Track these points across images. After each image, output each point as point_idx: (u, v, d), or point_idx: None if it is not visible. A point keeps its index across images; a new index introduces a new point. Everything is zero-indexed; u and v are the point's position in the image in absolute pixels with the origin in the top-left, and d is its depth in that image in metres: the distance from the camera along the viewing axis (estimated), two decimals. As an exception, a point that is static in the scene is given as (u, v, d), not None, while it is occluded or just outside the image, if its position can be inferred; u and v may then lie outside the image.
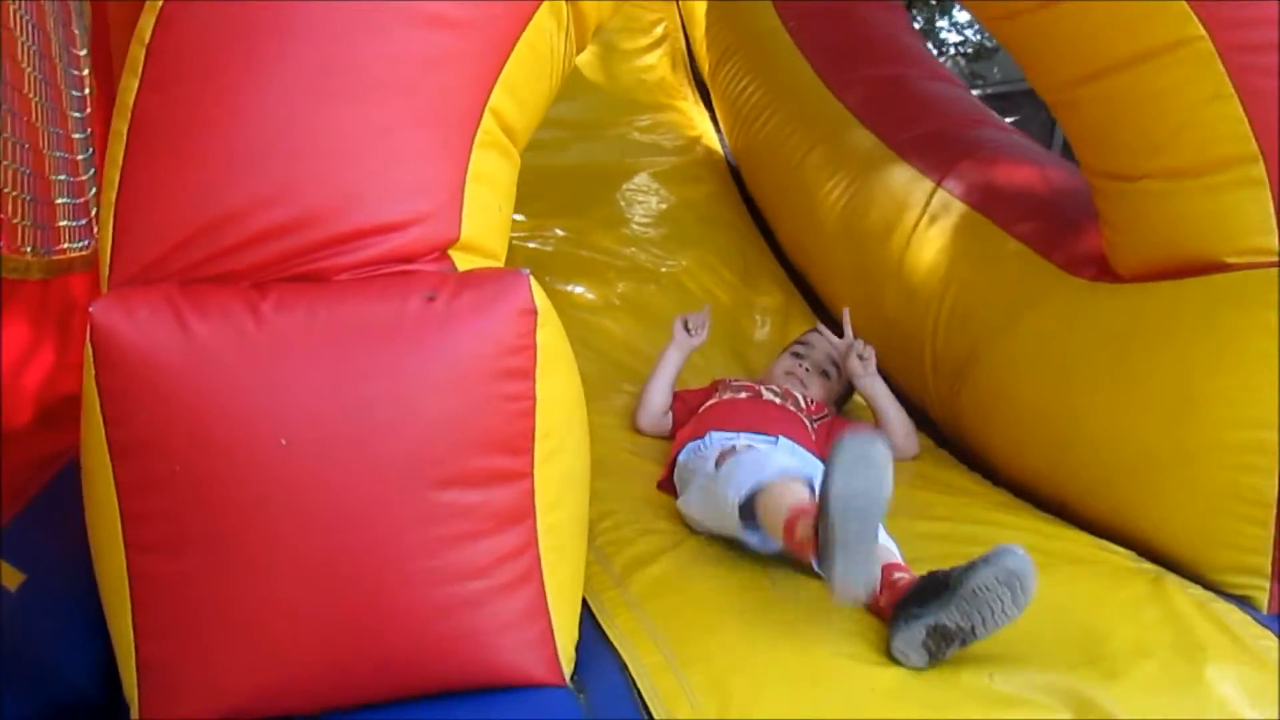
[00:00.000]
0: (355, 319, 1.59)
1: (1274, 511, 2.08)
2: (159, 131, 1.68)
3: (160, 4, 1.69)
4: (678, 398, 2.88)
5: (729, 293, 3.49)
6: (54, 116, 2.83)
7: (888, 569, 1.88)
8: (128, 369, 1.57)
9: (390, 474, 1.57)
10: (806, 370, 2.87)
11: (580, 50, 2.05)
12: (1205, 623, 1.92)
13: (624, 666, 1.73)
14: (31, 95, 2.65)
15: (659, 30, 4.63)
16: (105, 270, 1.69)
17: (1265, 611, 2.07)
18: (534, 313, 1.65)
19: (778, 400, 2.68)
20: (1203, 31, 2.07)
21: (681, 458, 2.49)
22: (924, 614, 1.74)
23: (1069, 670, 1.72)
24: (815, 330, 3.02)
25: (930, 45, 9.54)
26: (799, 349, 2.97)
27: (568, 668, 1.75)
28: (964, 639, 1.73)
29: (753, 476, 2.02)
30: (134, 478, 1.59)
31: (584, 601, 1.94)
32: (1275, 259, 2.08)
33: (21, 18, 2.55)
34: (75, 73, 3.05)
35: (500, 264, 1.87)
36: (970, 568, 1.75)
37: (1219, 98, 2.08)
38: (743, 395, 2.69)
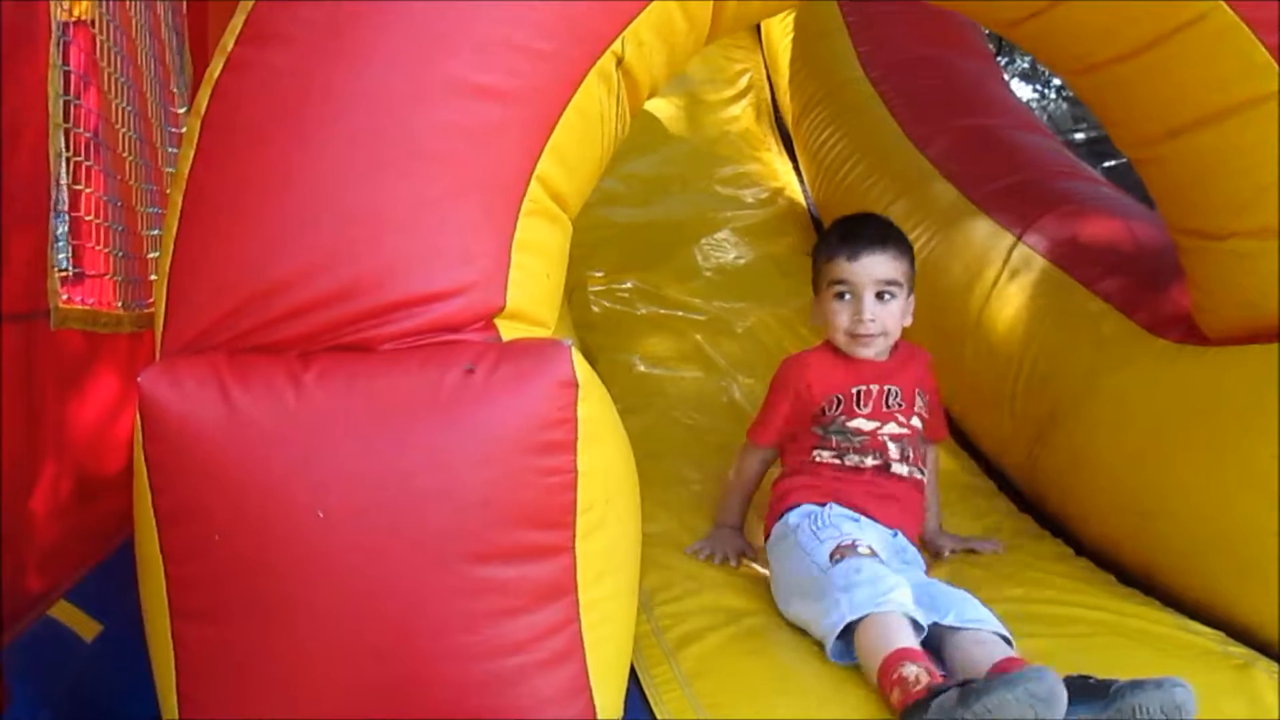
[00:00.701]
0: (393, 391, 1.59)
1: (1372, 592, 1.95)
2: (212, 201, 1.71)
3: (216, 76, 1.72)
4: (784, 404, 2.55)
5: (802, 346, 3.43)
6: (149, 173, 2.93)
7: (1006, 663, 1.83)
8: (172, 438, 1.59)
9: (426, 547, 1.56)
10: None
11: (635, 114, 2.04)
12: (1295, 715, 1.80)
13: (668, 747, 1.69)
14: (126, 154, 2.75)
15: (744, 81, 4.62)
16: (158, 338, 1.71)
17: (1364, 699, 1.93)
18: (575, 385, 1.62)
19: (905, 471, 2.45)
20: (1289, 85, 1.97)
21: (794, 519, 2.33)
22: (1075, 708, 1.69)
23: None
24: None
25: (1035, 86, 9.37)
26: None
27: (610, 746, 1.71)
28: None
29: (870, 602, 1.93)
30: (178, 544, 1.61)
31: (634, 672, 1.90)
32: (1371, 323, 1.97)
33: (117, 79, 2.65)
34: (173, 130, 3.16)
35: (549, 331, 1.85)
36: (1137, 685, 1.70)
37: (1308, 154, 1.98)
38: (869, 463, 2.43)
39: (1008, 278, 2.96)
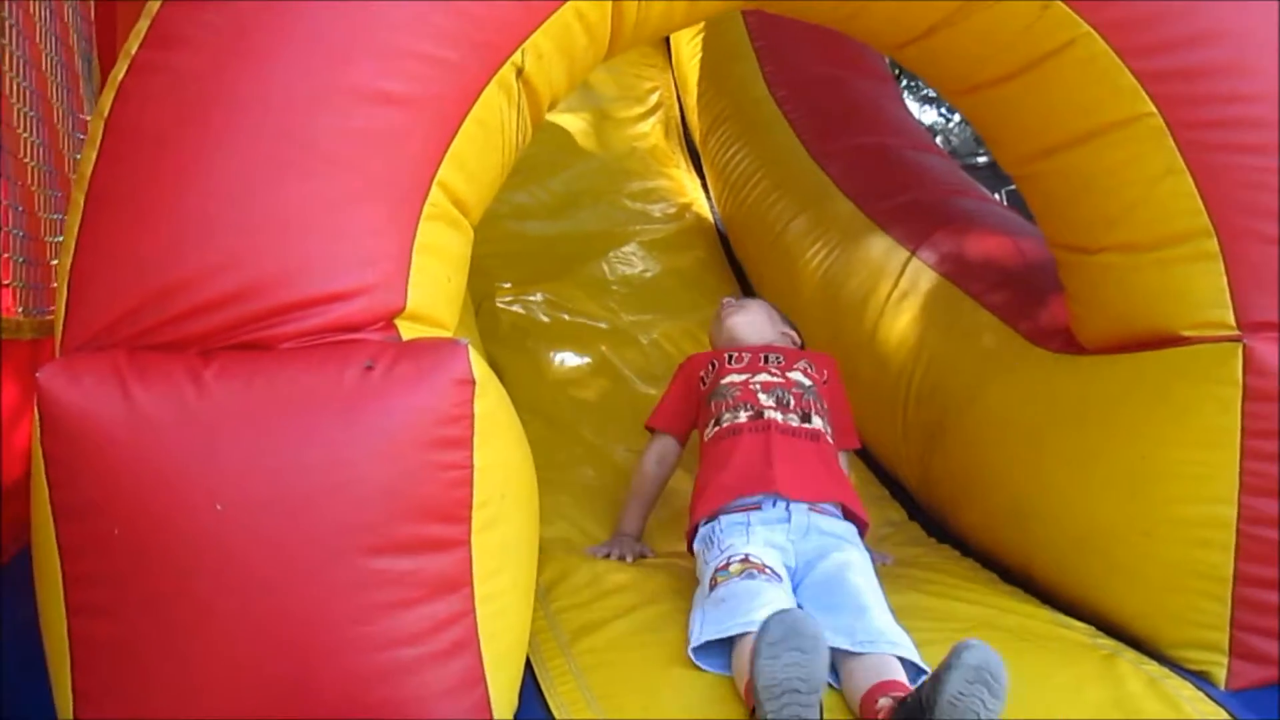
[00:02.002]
0: (293, 387, 1.62)
1: (1230, 587, 2.07)
2: (114, 201, 1.73)
3: (120, 79, 1.75)
4: (678, 400, 2.68)
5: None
6: (53, 179, 2.90)
7: (876, 690, 1.82)
8: (71, 434, 1.61)
9: (324, 540, 1.59)
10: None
11: (537, 125, 2.09)
12: (1155, 702, 1.91)
13: (560, 736, 1.73)
14: (28, 159, 2.73)
15: (654, 99, 4.70)
16: (58, 336, 1.73)
17: (1222, 688, 2.05)
18: (471, 383, 1.67)
19: (782, 419, 2.45)
20: (1153, 108, 2.09)
21: (697, 545, 2.34)
22: None
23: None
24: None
25: (940, 110, 9.60)
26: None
27: (505, 735, 1.76)
28: None
29: (715, 628, 1.96)
30: (75, 541, 1.63)
31: (530, 666, 1.95)
32: (1230, 333, 2.09)
33: (20, 84, 2.64)
34: (80, 135, 3.13)
35: (449, 333, 1.90)
36: (937, 680, 1.67)
37: (1171, 173, 2.10)
38: (743, 417, 2.46)
39: (901, 292, 3.06)
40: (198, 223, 1.69)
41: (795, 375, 2.57)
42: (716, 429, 2.50)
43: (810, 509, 2.33)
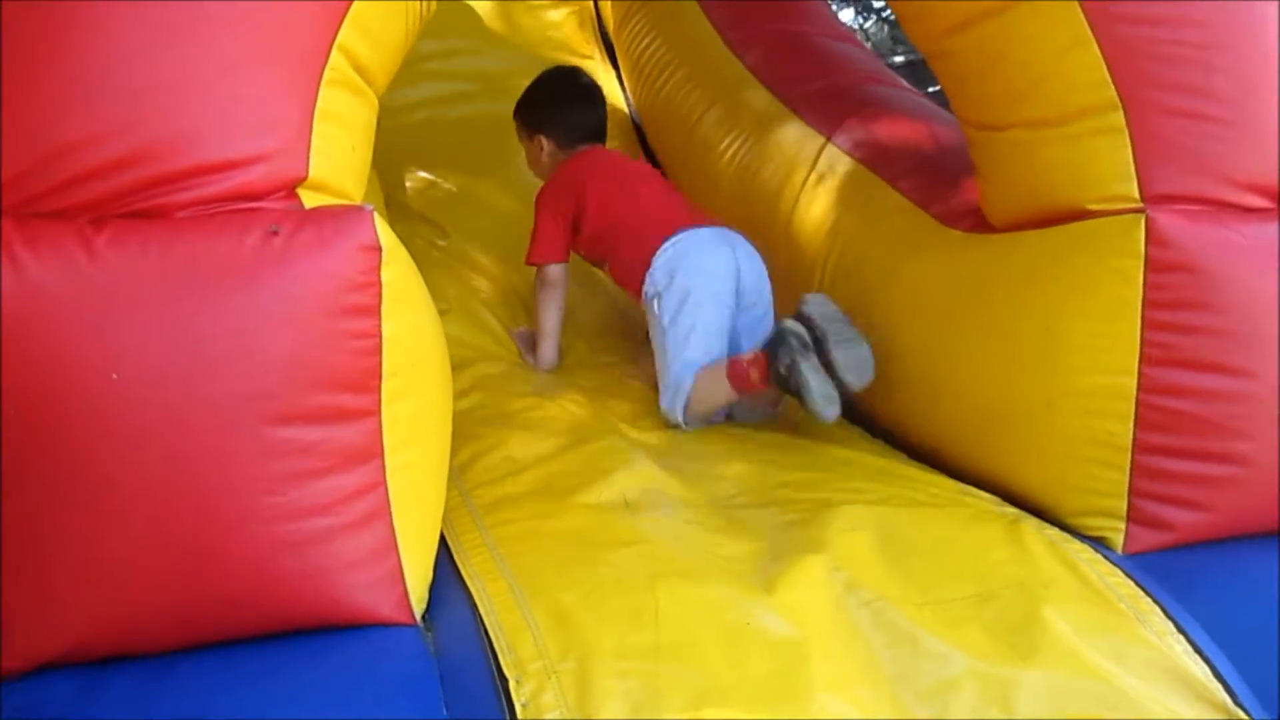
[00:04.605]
0: (191, 254, 1.58)
1: (1129, 456, 2.12)
2: (-6, 65, 1.64)
3: (-5, -64, 1.65)
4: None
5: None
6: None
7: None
8: (-43, 304, 1.54)
9: (226, 409, 1.56)
10: None
11: (442, -8, 2.03)
12: (1055, 563, 1.96)
13: (474, 605, 1.74)
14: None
15: (568, -11, 4.59)
16: (-61, 206, 1.65)
17: (1120, 552, 2.12)
18: (378, 249, 1.64)
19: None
20: (1063, -21, 2.09)
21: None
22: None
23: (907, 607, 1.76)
24: None
25: (857, 9, 9.54)
26: None
27: (419, 607, 1.76)
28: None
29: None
30: (-34, 414, 1.57)
31: (445, 541, 1.95)
32: (1134, 205, 2.12)
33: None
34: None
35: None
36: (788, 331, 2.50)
37: (1079, 44, 2.10)
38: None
39: (816, 178, 3.06)
40: (84, 84, 1.62)
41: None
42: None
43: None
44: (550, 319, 3.01)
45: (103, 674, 1.62)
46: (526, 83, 3.34)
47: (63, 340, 1.54)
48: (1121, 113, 2.11)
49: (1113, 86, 2.10)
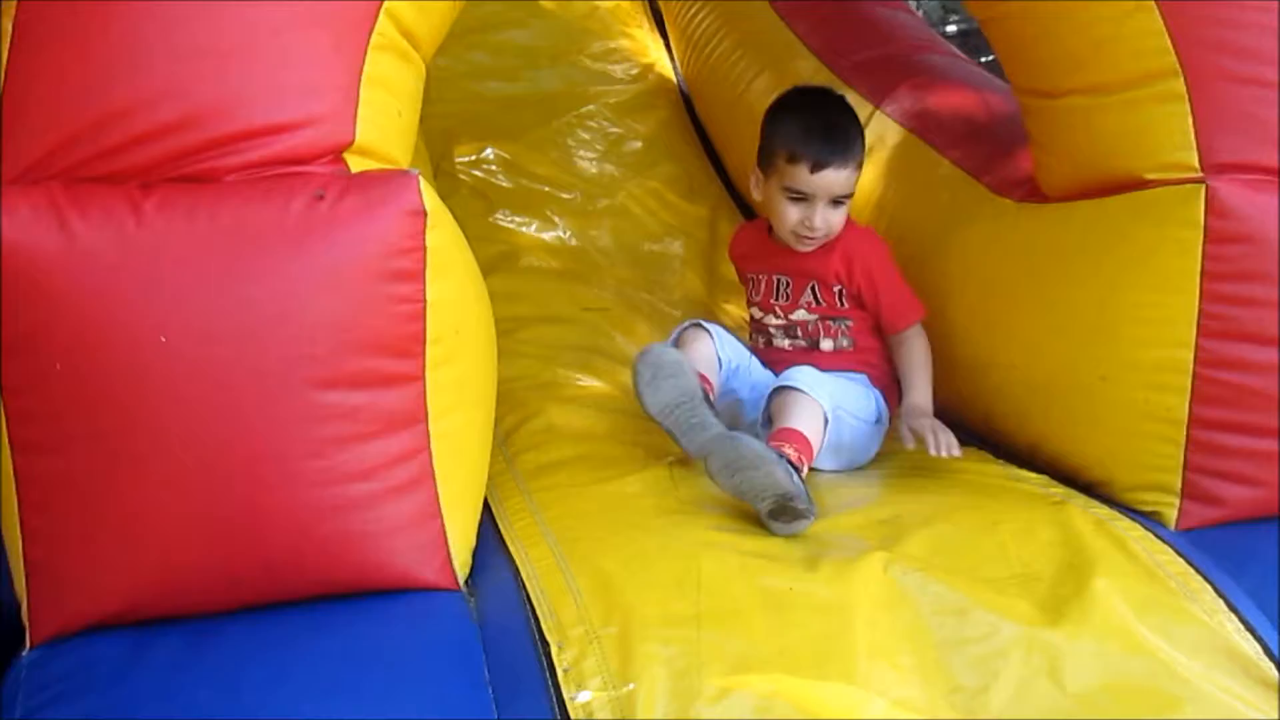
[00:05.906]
0: (238, 218, 1.58)
1: (1184, 430, 2.08)
2: (45, 28, 1.66)
3: (45, -99, 1.65)
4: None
5: (673, 214, 3.48)
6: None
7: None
8: (7, 268, 1.56)
9: (271, 373, 1.57)
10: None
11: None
12: (1102, 540, 1.93)
13: (517, 570, 1.74)
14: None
15: (615, -43, 4.55)
16: (-10, 170, 1.66)
17: (1172, 528, 2.08)
18: (423, 214, 1.64)
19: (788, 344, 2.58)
20: (1124, -59, 2.04)
21: None
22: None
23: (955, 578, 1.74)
24: None
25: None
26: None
27: (462, 572, 1.76)
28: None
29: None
30: (17, 377, 1.60)
31: (488, 507, 1.95)
32: (1193, 175, 2.07)
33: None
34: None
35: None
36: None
37: (1139, 9, 2.04)
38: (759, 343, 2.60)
39: (866, 147, 3.02)
40: (132, 49, 1.63)
41: (798, 315, 2.56)
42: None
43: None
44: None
45: (150, 636, 1.63)
46: (574, 54, 3.32)
47: (111, 304, 1.55)
48: (1182, 79, 2.05)
49: (1173, 52, 2.05)
